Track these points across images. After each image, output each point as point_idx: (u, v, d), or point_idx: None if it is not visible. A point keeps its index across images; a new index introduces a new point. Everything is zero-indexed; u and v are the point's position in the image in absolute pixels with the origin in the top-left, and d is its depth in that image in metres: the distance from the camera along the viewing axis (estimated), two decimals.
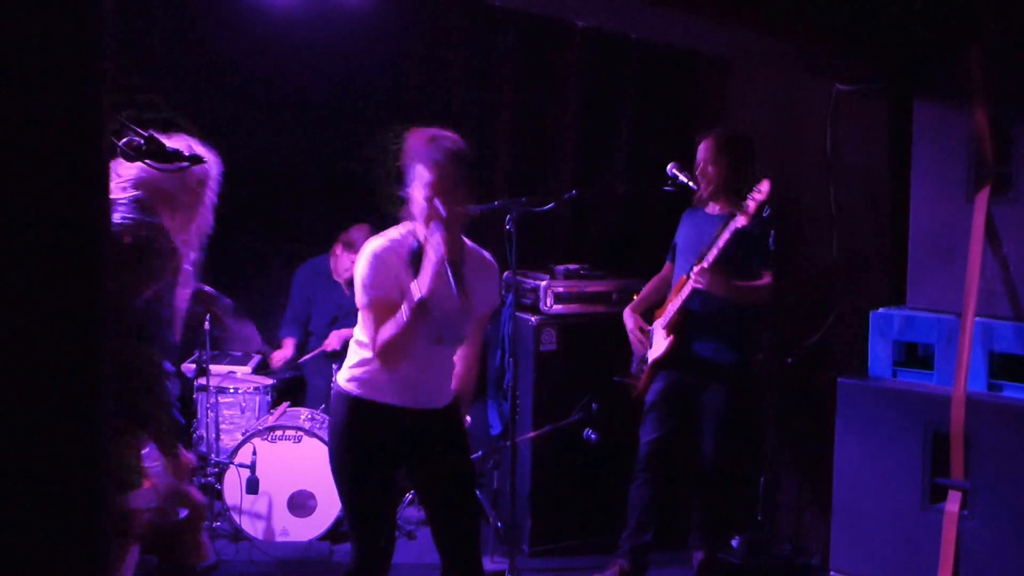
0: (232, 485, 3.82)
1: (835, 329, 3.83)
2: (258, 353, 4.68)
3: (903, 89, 3.33)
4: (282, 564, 3.80)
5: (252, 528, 3.87)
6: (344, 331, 4.54)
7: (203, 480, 3.76)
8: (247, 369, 4.51)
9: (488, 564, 3.81)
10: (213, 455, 3.92)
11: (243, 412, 4.20)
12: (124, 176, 2.43)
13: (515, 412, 3.84)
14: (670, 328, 3.62)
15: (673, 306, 3.60)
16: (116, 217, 2.37)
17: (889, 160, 3.59)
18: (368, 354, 2.60)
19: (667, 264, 3.86)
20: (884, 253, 3.60)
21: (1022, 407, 2.81)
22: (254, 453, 3.79)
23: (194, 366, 4.01)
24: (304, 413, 4.10)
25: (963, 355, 2.89)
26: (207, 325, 3.67)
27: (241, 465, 3.77)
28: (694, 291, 3.48)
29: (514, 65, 4.69)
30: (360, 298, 2.58)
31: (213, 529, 3.89)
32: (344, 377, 2.70)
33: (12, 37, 1.05)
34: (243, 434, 4.00)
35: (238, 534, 3.87)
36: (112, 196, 2.43)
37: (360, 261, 2.60)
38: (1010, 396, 2.89)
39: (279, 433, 3.90)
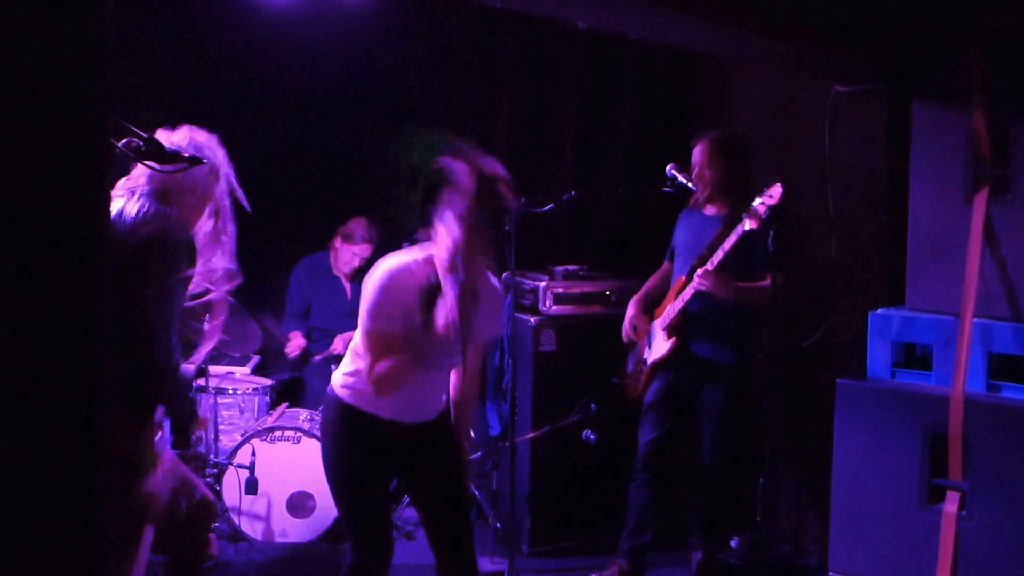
0: (231, 486, 3.82)
1: (834, 330, 3.84)
2: (276, 340, 4.66)
3: (902, 90, 3.33)
4: (281, 565, 3.80)
5: (251, 529, 3.87)
6: (348, 335, 4.54)
7: (202, 481, 3.76)
8: (246, 370, 4.51)
9: (487, 565, 3.81)
10: (212, 456, 3.92)
11: (242, 413, 4.20)
12: (137, 170, 2.43)
13: (514, 413, 3.84)
14: (671, 330, 3.62)
15: (673, 308, 3.60)
16: (131, 210, 2.37)
17: (888, 161, 3.60)
18: (363, 364, 2.60)
19: (666, 263, 3.86)
20: (883, 254, 3.60)
21: (1020, 408, 2.81)
22: (253, 454, 3.79)
23: (193, 367, 4.00)
24: (303, 414, 4.10)
25: (962, 356, 2.89)
26: (206, 326, 3.66)
27: (240, 466, 3.77)
28: (696, 292, 3.48)
29: (514, 65, 4.70)
30: (364, 321, 2.55)
31: (212, 530, 3.88)
32: (338, 382, 2.70)
33: (13, 37, 1.06)
34: (242, 435, 4.00)
35: (237, 535, 3.86)
36: (127, 187, 2.43)
37: (372, 280, 2.54)
38: (1008, 397, 2.89)
39: (278, 434, 3.90)
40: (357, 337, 2.65)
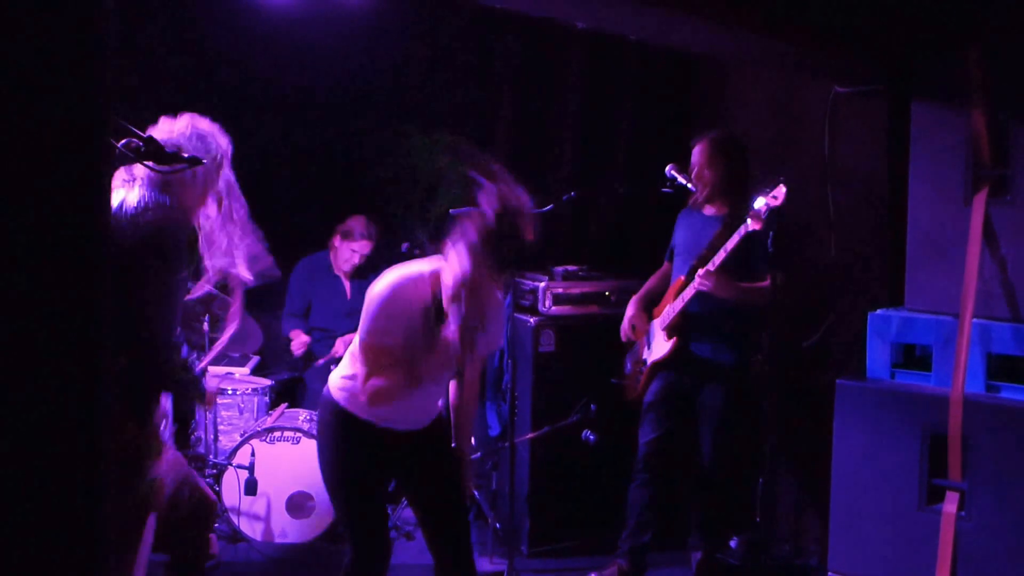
0: (230, 486, 3.82)
1: (834, 330, 3.84)
2: (288, 339, 4.66)
3: (901, 90, 3.34)
4: (281, 565, 3.80)
5: (250, 529, 3.87)
6: (349, 337, 4.54)
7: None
8: (245, 370, 4.51)
9: (487, 565, 3.81)
10: (211, 456, 3.92)
11: (241, 413, 4.20)
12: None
13: (513, 413, 3.84)
14: (671, 330, 3.62)
15: (674, 308, 3.60)
16: (132, 200, 2.36)
17: (887, 161, 3.60)
18: (360, 372, 2.59)
19: (665, 263, 3.86)
20: (882, 254, 3.61)
21: (1019, 408, 2.82)
22: (252, 454, 3.78)
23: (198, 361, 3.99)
24: (302, 414, 4.10)
25: (961, 356, 2.89)
26: (205, 326, 3.67)
27: (239, 466, 3.77)
28: (697, 292, 3.47)
29: (514, 65, 4.70)
30: (363, 332, 2.54)
31: (213, 530, 3.88)
32: (335, 384, 2.69)
33: (13, 37, 1.06)
34: (241, 435, 4.00)
35: (236, 535, 3.86)
36: (127, 177, 2.42)
37: (375, 293, 2.52)
38: (1008, 397, 2.90)
39: (277, 434, 3.90)
40: (357, 336, 2.65)
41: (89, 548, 1.13)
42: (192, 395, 2.51)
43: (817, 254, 3.90)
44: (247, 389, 4.24)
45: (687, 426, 3.68)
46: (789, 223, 3.54)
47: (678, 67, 4.63)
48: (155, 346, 2.32)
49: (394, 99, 4.99)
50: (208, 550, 2.72)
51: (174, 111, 2.56)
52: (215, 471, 3.84)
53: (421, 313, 2.51)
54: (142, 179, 2.40)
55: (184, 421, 4.01)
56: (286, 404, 4.29)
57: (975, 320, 2.92)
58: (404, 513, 4.14)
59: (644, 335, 3.79)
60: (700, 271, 3.44)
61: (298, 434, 3.89)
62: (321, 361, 4.60)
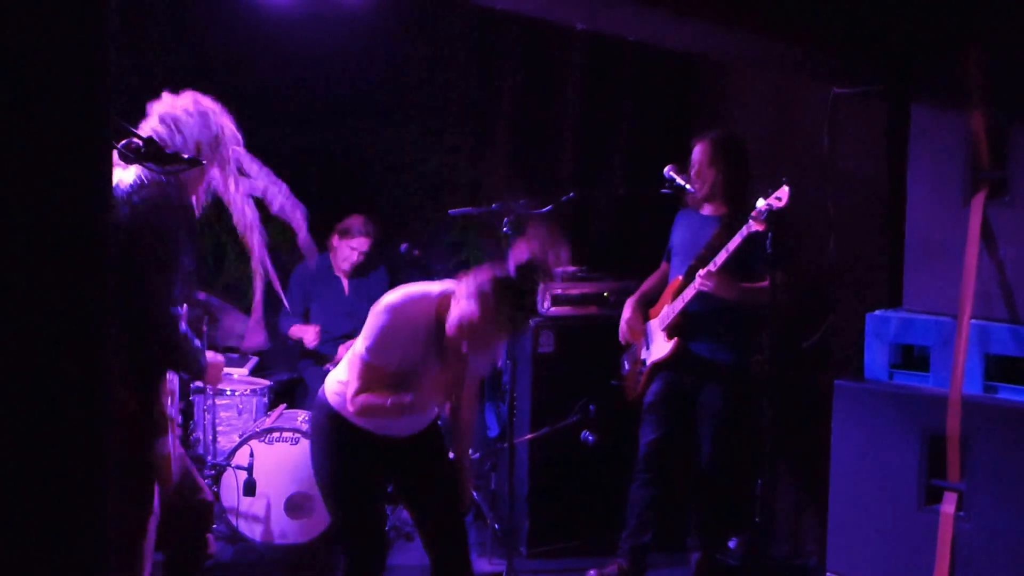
0: (229, 487, 3.81)
1: (833, 331, 3.84)
2: (286, 337, 4.66)
3: (901, 92, 3.34)
4: (280, 566, 3.80)
5: (249, 530, 3.86)
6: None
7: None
8: (244, 371, 4.51)
9: (486, 566, 3.82)
10: (210, 457, 3.92)
11: (240, 414, 4.20)
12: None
13: (512, 414, 3.85)
14: (671, 330, 3.61)
15: (673, 308, 3.60)
16: (127, 177, 2.35)
17: (886, 162, 3.60)
18: (353, 383, 2.59)
19: (663, 264, 3.87)
20: (882, 255, 3.61)
21: (1018, 409, 2.82)
22: (251, 455, 3.78)
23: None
24: (301, 415, 4.10)
25: (959, 357, 2.89)
26: (205, 327, 3.66)
27: (238, 467, 3.77)
28: (697, 293, 3.47)
29: (514, 65, 4.70)
30: (361, 347, 2.54)
31: (211, 530, 3.88)
32: (332, 388, 2.69)
33: (14, 37, 1.06)
34: (240, 436, 3.99)
35: (236, 536, 3.86)
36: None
37: (381, 307, 2.51)
38: (1006, 398, 2.89)
39: (276, 435, 3.89)
40: (358, 343, 2.64)
41: (89, 547, 1.14)
42: (192, 369, 2.49)
43: (817, 254, 3.90)
44: (246, 390, 4.24)
45: (687, 426, 3.68)
46: (789, 224, 3.54)
47: (678, 67, 4.63)
48: (157, 323, 2.31)
49: (394, 99, 4.99)
50: (206, 550, 2.72)
51: None
52: (214, 472, 3.83)
53: (423, 335, 2.51)
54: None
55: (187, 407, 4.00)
56: (285, 405, 4.29)
57: (973, 321, 2.92)
58: (403, 514, 4.14)
59: (642, 336, 3.79)
60: (701, 272, 3.43)
61: (297, 435, 3.89)
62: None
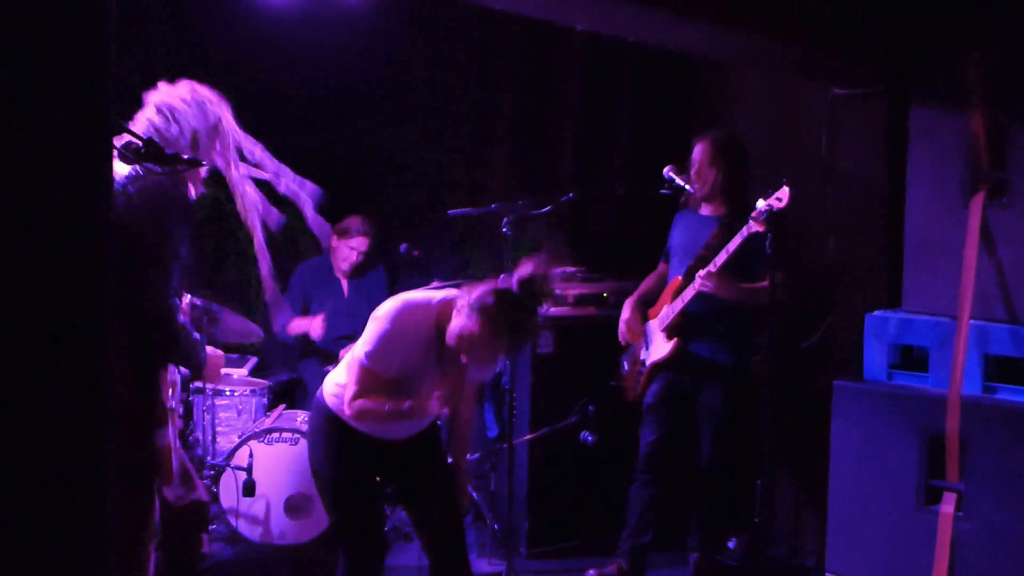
0: (228, 488, 3.81)
1: (833, 331, 3.84)
2: (293, 332, 4.65)
3: (900, 93, 3.34)
4: (279, 566, 3.80)
5: (249, 531, 3.86)
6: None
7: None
8: (243, 371, 4.51)
9: (485, 566, 3.82)
10: (209, 457, 3.92)
11: (239, 414, 4.20)
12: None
13: (512, 414, 3.84)
14: (671, 331, 3.61)
15: (673, 309, 3.60)
16: (123, 169, 2.33)
17: (886, 163, 3.60)
18: (351, 387, 2.59)
19: (662, 264, 3.87)
20: (881, 256, 3.61)
21: (1017, 409, 2.82)
22: (250, 455, 3.78)
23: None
24: (301, 415, 4.09)
25: (958, 358, 2.89)
26: (205, 323, 3.66)
27: (237, 468, 3.77)
28: (697, 293, 3.47)
29: (514, 65, 4.70)
30: (361, 352, 2.54)
31: (210, 532, 3.88)
32: (330, 390, 2.69)
33: (14, 38, 1.06)
34: (239, 436, 3.99)
35: (235, 537, 3.86)
36: (119, 148, 2.40)
37: (382, 314, 2.51)
38: (1005, 398, 2.90)
39: (276, 435, 3.89)
40: (356, 349, 2.64)
41: (90, 547, 1.14)
42: (191, 362, 2.48)
43: (816, 255, 3.90)
44: (245, 390, 4.23)
45: (687, 427, 3.68)
46: (788, 224, 3.54)
47: (678, 68, 4.63)
48: (154, 314, 2.31)
49: (394, 99, 4.99)
50: (200, 549, 2.72)
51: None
52: (213, 472, 3.83)
53: (423, 343, 2.51)
54: (133, 148, 2.38)
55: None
56: (284, 405, 4.29)
57: (972, 321, 2.93)
58: (403, 514, 4.13)
59: (641, 336, 3.79)
60: (701, 272, 3.43)
61: (296, 435, 3.89)
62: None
